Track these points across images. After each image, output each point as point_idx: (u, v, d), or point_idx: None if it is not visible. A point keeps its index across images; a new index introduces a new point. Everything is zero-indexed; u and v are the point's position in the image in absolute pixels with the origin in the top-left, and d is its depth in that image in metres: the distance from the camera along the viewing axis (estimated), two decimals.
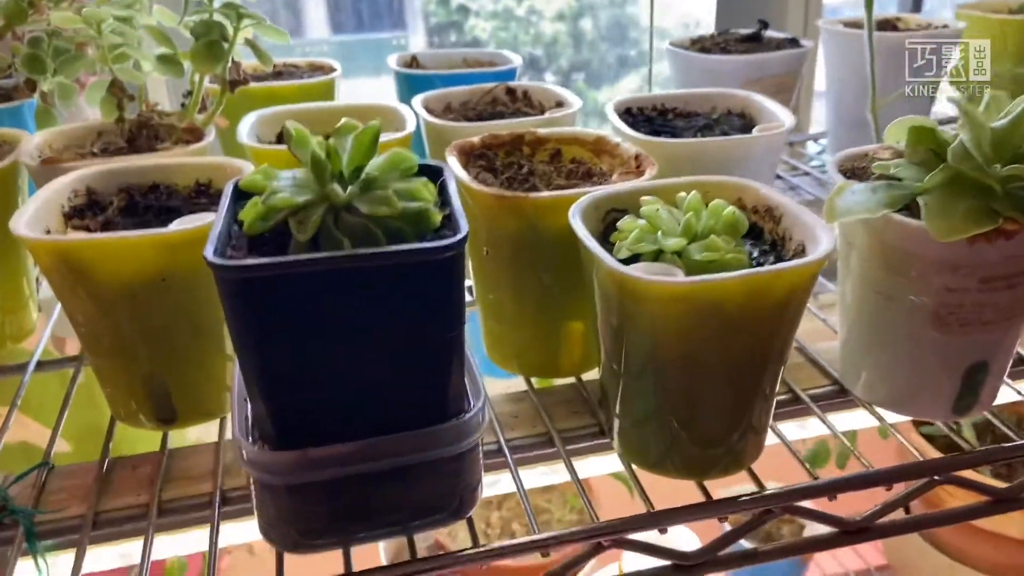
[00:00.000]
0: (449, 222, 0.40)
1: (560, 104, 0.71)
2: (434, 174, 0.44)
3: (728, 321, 0.41)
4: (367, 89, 1.41)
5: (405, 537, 0.44)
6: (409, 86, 0.82)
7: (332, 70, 0.84)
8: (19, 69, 0.69)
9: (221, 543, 0.45)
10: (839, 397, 0.56)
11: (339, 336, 0.37)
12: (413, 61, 0.89)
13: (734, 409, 0.45)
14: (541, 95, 0.74)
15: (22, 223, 0.46)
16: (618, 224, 0.47)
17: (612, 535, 0.43)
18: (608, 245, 0.47)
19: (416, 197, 0.39)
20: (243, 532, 0.52)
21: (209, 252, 0.35)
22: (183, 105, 0.66)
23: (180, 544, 0.62)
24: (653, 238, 0.44)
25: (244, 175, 0.51)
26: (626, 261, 0.45)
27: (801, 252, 0.45)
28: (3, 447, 0.52)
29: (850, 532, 0.47)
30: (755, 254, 0.47)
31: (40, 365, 0.61)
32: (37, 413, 0.92)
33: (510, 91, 0.75)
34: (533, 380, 0.58)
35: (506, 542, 0.43)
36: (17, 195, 0.60)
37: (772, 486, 0.47)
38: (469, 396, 0.42)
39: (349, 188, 0.38)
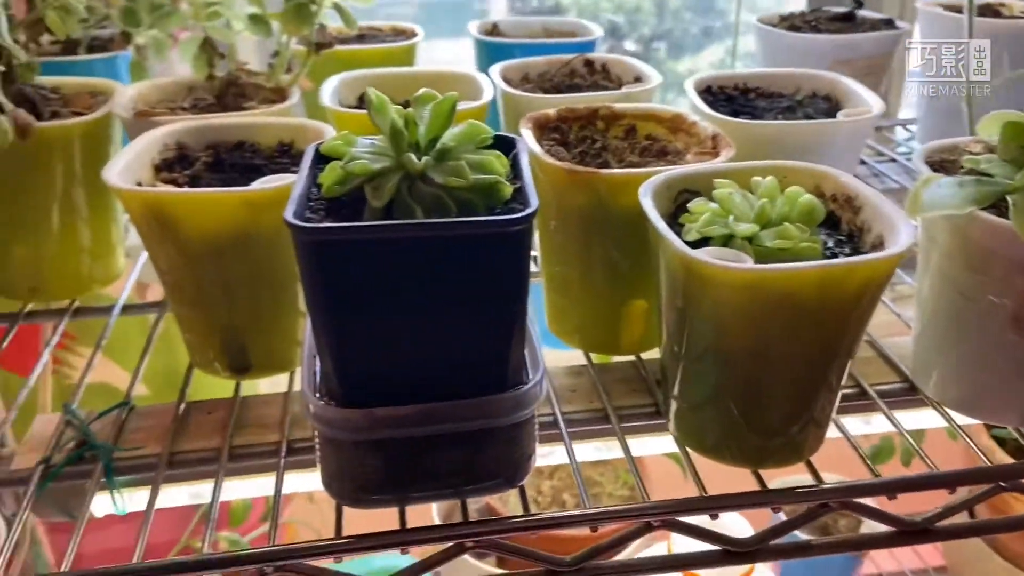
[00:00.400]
0: (519, 195, 0.41)
1: (638, 79, 0.70)
2: (507, 146, 0.44)
3: (797, 313, 0.41)
4: (447, 52, 1.41)
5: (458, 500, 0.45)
6: (488, 54, 0.82)
7: (414, 35, 0.84)
8: (115, 21, 0.71)
9: (285, 490, 0.47)
10: (908, 395, 0.55)
11: (406, 302, 0.38)
12: (494, 29, 0.88)
13: (796, 400, 0.45)
14: (619, 68, 0.73)
15: (114, 173, 0.48)
16: (689, 205, 0.46)
17: (663, 515, 0.43)
18: (678, 226, 0.47)
19: (488, 169, 0.40)
20: (305, 481, 0.54)
21: (288, 213, 0.37)
22: (270, 65, 0.67)
23: (247, 487, 0.65)
24: (724, 222, 0.44)
25: (325, 139, 0.52)
26: (695, 244, 0.45)
27: (879, 245, 0.44)
28: (85, 387, 0.55)
29: (909, 533, 0.47)
30: (830, 244, 0.46)
31: (125, 309, 0.64)
32: (119, 356, 0.97)
33: (588, 63, 0.74)
34: (592, 356, 0.58)
35: (557, 513, 0.43)
36: (109, 145, 0.62)
37: (832, 479, 0.46)
38: (528, 368, 0.43)
39: (424, 158, 0.39)
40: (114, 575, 0.40)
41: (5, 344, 0.59)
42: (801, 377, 0.44)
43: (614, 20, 1.62)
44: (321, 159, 0.43)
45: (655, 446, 0.67)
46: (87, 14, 0.72)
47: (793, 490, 0.46)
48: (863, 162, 0.87)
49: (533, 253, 0.63)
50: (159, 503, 0.51)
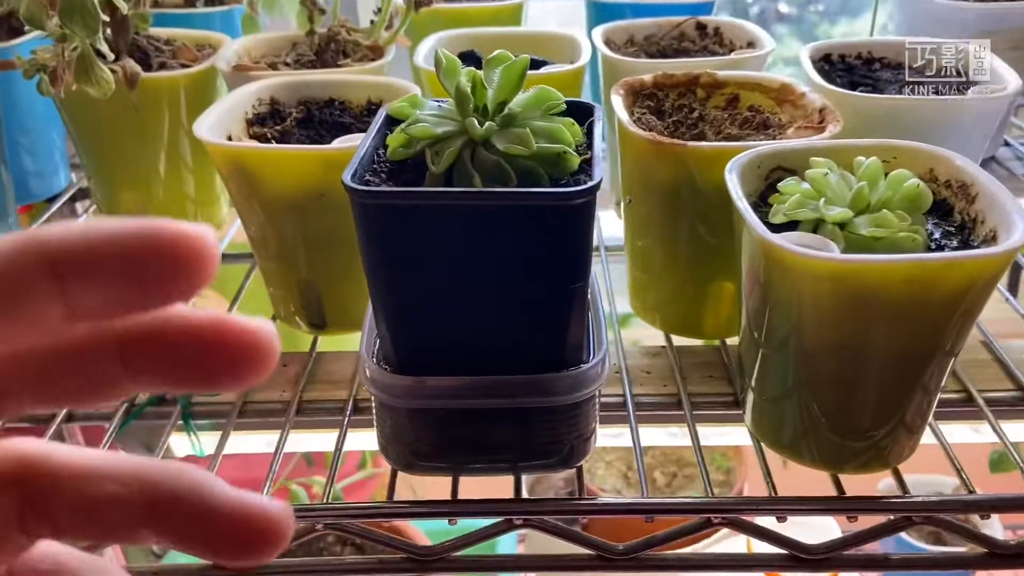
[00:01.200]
0: (588, 167, 0.39)
1: (752, 44, 0.66)
2: (585, 113, 0.42)
3: (888, 308, 0.37)
4: (561, 10, 1.38)
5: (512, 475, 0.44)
6: (598, 13, 0.79)
7: None
8: None
9: (361, 447, 0.48)
10: (1022, 404, 0.49)
11: (462, 271, 0.37)
12: None
13: (886, 402, 0.41)
14: (734, 33, 0.69)
15: (204, 126, 0.49)
16: (779, 185, 0.43)
17: (725, 513, 0.41)
18: (767, 207, 0.44)
19: (556, 138, 0.38)
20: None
21: (347, 175, 0.36)
22: (371, 22, 0.67)
23: (326, 440, 0.67)
24: (814, 205, 0.40)
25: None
26: (781, 227, 0.41)
27: (992, 239, 0.39)
28: None
29: (1001, 555, 0.42)
30: (936, 235, 0.41)
31: (224, 257, 0.66)
32: (221, 291, 1.01)
33: (700, 26, 0.70)
34: (672, 337, 0.55)
35: (612, 499, 0.42)
36: (214, 96, 0.64)
37: (932, 480, 0.42)
38: (591, 347, 0.41)
39: (488, 123, 0.37)
40: None
41: None
42: (890, 377, 0.40)
43: None
44: (395, 121, 0.43)
45: (739, 437, 0.63)
46: None
47: (873, 499, 0.42)
48: (1007, 143, 0.79)
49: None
50: (238, 449, 0.53)
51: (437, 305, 0.38)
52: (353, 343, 0.59)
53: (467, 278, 0.37)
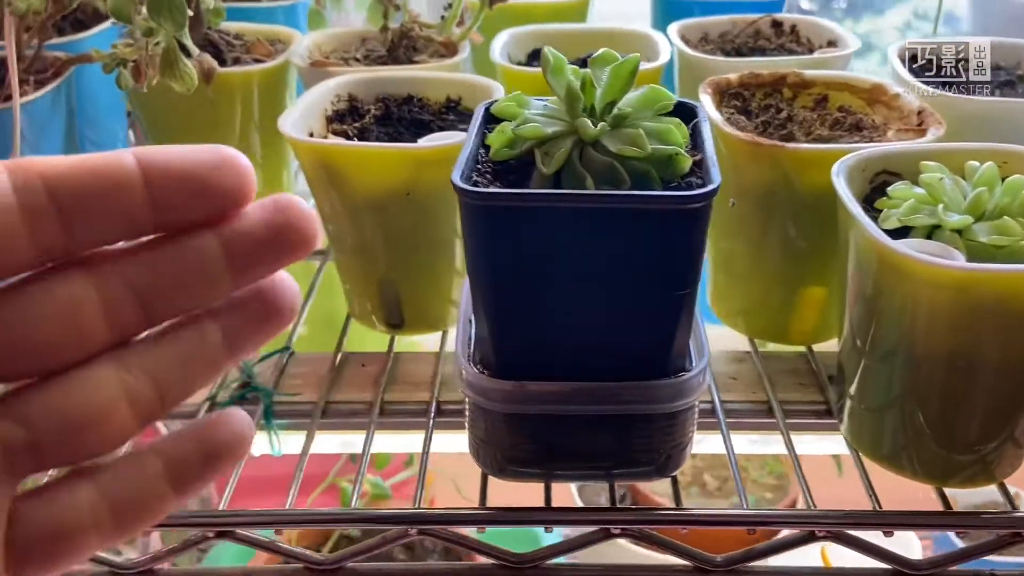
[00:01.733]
0: (698, 169, 0.37)
1: (832, 43, 0.64)
2: (687, 113, 0.41)
3: (1010, 319, 0.36)
4: (615, 3, 1.36)
5: (606, 483, 0.43)
6: (665, 10, 0.78)
7: None
8: None
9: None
10: None
11: (571, 275, 0.36)
12: None
13: (997, 415, 0.40)
14: (811, 31, 0.67)
15: (289, 123, 0.49)
16: (889, 190, 0.41)
17: (830, 526, 0.40)
18: (873, 211, 0.42)
19: (667, 139, 0.37)
20: (448, 442, 0.53)
21: (456, 175, 0.35)
22: (442, 18, 0.66)
23: (392, 442, 0.66)
24: (931, 211, 0.39)
25: (494, 97, 0.51)
26: (892, 233, 0.40)
27: None
28: None
29: None
30: None
31: None
32: None
33: (776, 24, 0.69)
34: (757, 342, 0.54)
35: (712, 510, 0.41)
36: (285, 91, 0.63)
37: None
38: (692, 355, 0.40)
39: (600, 124, 0.36)
40: (269, 518, 0.41)
41: None
42: (1004, 390, 0.39)
43: None
44: (490, 119, 0.42)
45: (809, 446, 0.62)
46: None
47: (980, 514, 0.41)
48: None
49: None
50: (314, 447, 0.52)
51: (543, 308, 0.37)
52: (425, 343, 0.59)
53: (576, 281, 0.36)
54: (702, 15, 0.71)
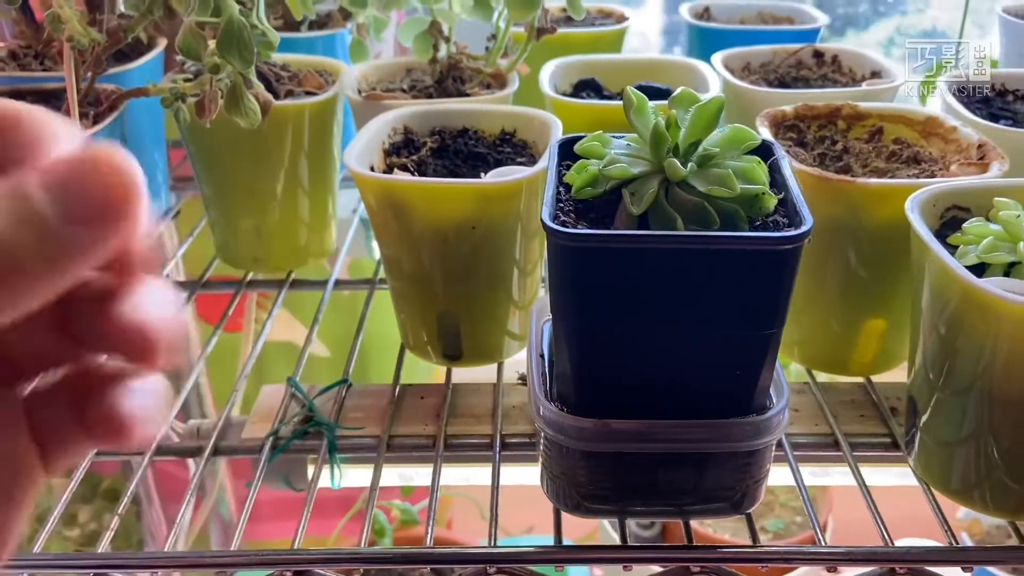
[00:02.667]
0: (783, 208, 0.38)
1: (876, 74, 0.65)
2: (764, 151, 0.41)
3: None
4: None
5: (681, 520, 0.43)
6: (700, 39, 0.78)
7: (623, 18, 0.82)
8: (340, 1, 0.73)
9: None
10: None
11: (659, 314, 0.36)
12: (705, 12, 0.84)
13: None
14: (853, 61, 0.68)
15: (353, 157, 0.49)
16: (964, 226, 0.42)
17: (910, 563, 0.39)
18: (947, 247, 0.43)
19: (752, 178, 0.37)
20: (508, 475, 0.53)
21: (546, 216, 0.36)
22: (487, 49, 0.67)
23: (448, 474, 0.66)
24: (1010, 248, 0.39)
25: (552, 130, 0.51)
26: (970, 269, 0.40)
27: None
28: (270, 344, 0.56)
29: None
30: None
31: (337, 284, 0.65)
32: (305, 318, 1.01)
33: (818, 54, 0.69)
34: (815, 373, 0.54)
35: (791, 547, 0.41)
36: (333, 122, 0.64)
37: None
38: (772, 393, 0.40)
39: (689, 164, 0.36)
40: (345, 556, 0.40)
41: (231, 310, 0.62)
42: None
43: None
44: (564, 156, 0.42)
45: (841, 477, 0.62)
46: None
47: None
48: None
49: None
50: (358, 481, 0.52)
51: (628, 347, 0.38)
52: (437, 373, 0.58)
53: (664, 321, 0.37)
54: (739, 44, 0.71)
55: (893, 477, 0.61)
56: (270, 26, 0.52)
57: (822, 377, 0.55)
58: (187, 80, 0.53)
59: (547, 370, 0.43)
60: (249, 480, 0.46)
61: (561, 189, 0.40)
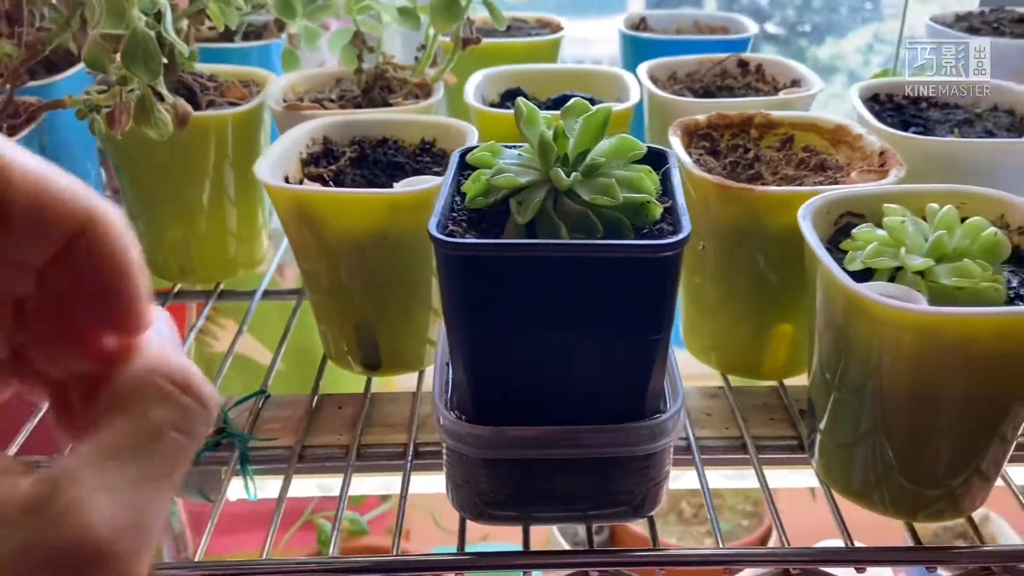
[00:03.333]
0: (669, 215, 0.38)
1: (797, 83, 0.66)
2: (658, 159, 0.42)
3: (973, 360, 0.37)
4: (590, 31, 1.37)
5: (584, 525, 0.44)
6: (635, 49, 0.79)
7: (559, 28, 0.82)
8: (271, 10, 0.73)
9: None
10: None
11: (547, 322, 0.37)
12: (641, 23, 0.85)
13: (962, 451, 0.41)
14: (776, 70, 0.69)
15: (265, 168, 0.49)
16: (853, 232, 0.43)
17: (804, 564, 0.40)
18: (838, 252, 0.44)
19: (638, 187, 0.38)
20: (425, 483, 0.53)
21: (433, 225, 0.36)
22: (416, 59, 0.67)
23: (368, 483, 0.66)
24: (894, 253, 0.40)
25: (468, 141, 0.52)
26: (857, 275, 0.41)
27: None
28: (219, 357, 0.56)
29: None
30: (1014, 283, 0.41)
31: (266, 294, 0.65)
32: (257, 332, 1.01)
33: (742, 64, 0.70)
34: (729, 377, 0.55)
35: (687, 550, 0.41)
36: (259, 133, 0.64)
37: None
38: (667, 396, 0.41)
39: (573, 174, 0.37)
40: (246, 569, 0.40)
41: None
42: (970, 427, 0.40)
43: (757, 0, 1.54)
44: (465, 165, 0.43)
45: (784, 476, 0.63)
46: (244, 3, 0.74)
47: (950, 549, 0.42)
48: None
49: None
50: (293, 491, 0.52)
51: (519, 355, 0.38)
52: (401, 382, 0.59)
53: (552, 328, 0.37)
54: (671, 54, 0.72)
55: None
56: (178, 38, 0.52)
57: (740, 381, 0.56)
58: (100, 92, 0.53)
59: (449, 379, 0.43)
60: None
61: (458, 199, 0.40)
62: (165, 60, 0.54)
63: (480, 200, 0.39)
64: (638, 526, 0.97)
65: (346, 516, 0.99)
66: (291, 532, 0.95)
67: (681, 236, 0.35)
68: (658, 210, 0.38)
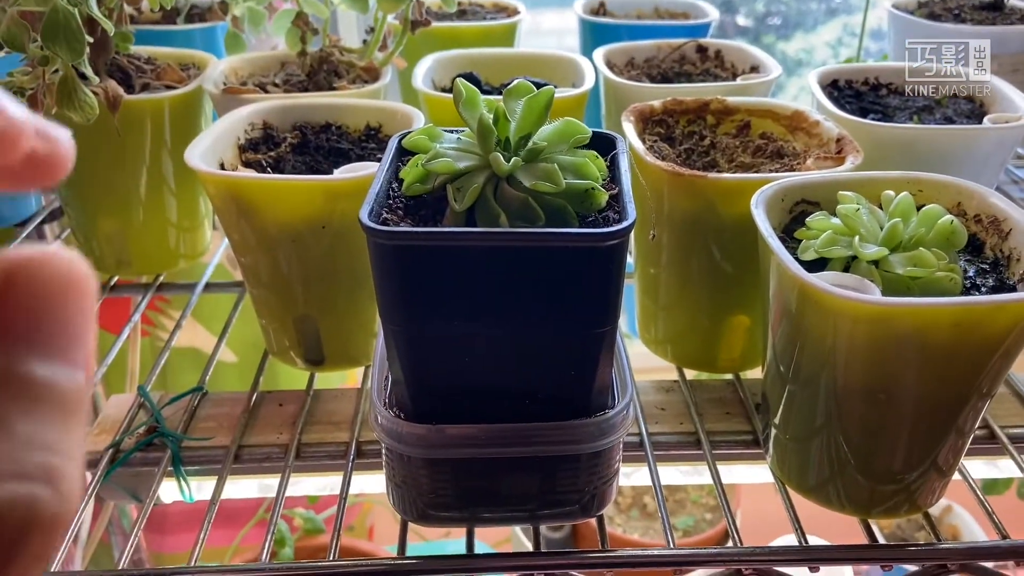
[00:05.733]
0: (616, 203, 0.37)
1: (756, 68, 0.65)
2: (607, 144, 0.40)
3: (927, 352, 0.36)
4: (556, 22, 1.35)
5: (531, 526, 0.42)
6: (593, 35, 0.77)
7: (516, 12, 0.80)
8: None
9: (363, 490, 0.45)
10: None
11: (486, 315, 0.35)
12: (600, 8, 0.84)
13: (919, 445, 0.40)
14: (735, 56, 0.68)
15: (196, 153, 0.47)
16: (807, 220, 0.41)
17: (757, 564, 0.39)
18: (793, 241, 0.42)
19: (583, 173, 0.36)
20: (379, 482, 0.51)
21: (364, 213, 0.34)
22: (364, 42, 0.65)
23: (318, 482, 0.64)
24: (848, 242, 0.39)
25: (413, 127, 0.49)
26: (812, 264, 0.40)
27: None
28: (175, 351, 0.53)
29: None
30: (971, 273, 0.40)
31: (208, 287, 0.63)
32: (207, 321, 0.98)
33: (701, 49, 0.69)
34: (686, 371, 0.53)
35: (638, 552, 0.40)
36: (200, 118, 0.61)
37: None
38: (616, 391, 0.39)
39: (513, 158, 0.35)
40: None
41: None
42: (926, 420, 0.39)
43: None
44: (405, 152, 0.40)
45: (751, 472, 0.62)
46: None
47: (906, 547, 0.41)
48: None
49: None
50: (232, 493, 0.50)
51: (460, 350, 0.36)
52: (352, 376, 0.57)
53: (493, 321, 0.35)
54: (630, 38, 0.70)
55: None
56: (109, 18, 0.49)
57: (696, 375, 0.55)
58: (25, 74, 0.50)
59: (388, 375, 0.41)
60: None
61: (396, 185, 0.38)
62: (90, 39, 0.52)
63: (417, 187, 0.37)
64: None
65: (301, 515, 0.97)
66: (245, 530, 0.92)
67: (625, 224, 0.33)
68: (604, 197, 0.36)
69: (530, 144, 0.36)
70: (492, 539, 1.12)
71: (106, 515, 1.08)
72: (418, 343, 0.36)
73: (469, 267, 0.34)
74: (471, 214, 0.35)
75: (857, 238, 0.38)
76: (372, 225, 0.33)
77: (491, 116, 0.36)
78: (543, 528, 0.94)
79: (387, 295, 0.35)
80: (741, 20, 1.55)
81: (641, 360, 0.51)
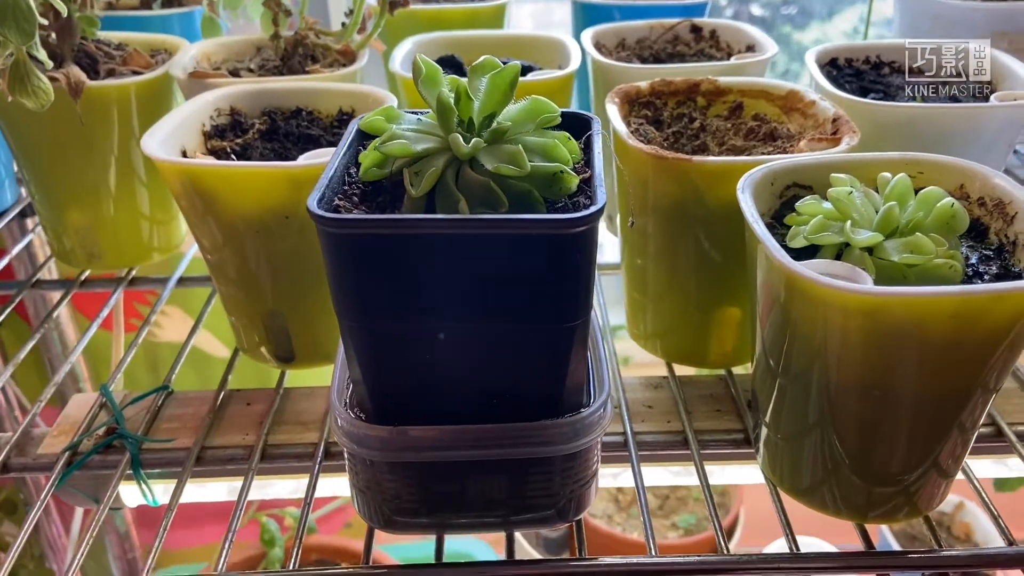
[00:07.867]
0: (588, 188, 0.34)
1: (752, 48, 0.62)
2: (581, 126, 0.38)
3: (926, 345, 0.33)
4: (563, 15, 1.33)
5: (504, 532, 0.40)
6: (585, 15, 0.75)
7: None
8: None
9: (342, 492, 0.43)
10: None
11: (447, 308, 0.32)
12: None
13: (918, 444, 0.37)
14: (731, 35, 0.65)
15: (155, 140, 0.44)
16: (797, 205, 0.38)
17: (747, 573, 0.36)
18: (784, 228, 0.39)
19: (551, 155, 0.33)
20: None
21: (312, 200, 0.31)
22: (343, 25, 0.62)
23: (292, 485, 0.61)
24: (839, 228, 0.36)
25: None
26: (802, 252, 0.37)
27: None
28: (167, 347, 0.52)
29: None
30: (973, 260, 0.37)
31: (181, 281, 0.61)
32: (212, 325, 0.96)
33: (695, 29, 0.66)
34: (675, 367, 0.51)
35: (621, 560, 0.37)
36: (170, 106, 0.59)
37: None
38: (591, 389, 0.37)
39: (474, 139, 0.32)
40: None
41: (56, 312, 0.57)
42: (925, 417, 0.36)
43: None
44: (367, 135, 0.38)
45: (748, 473, 0.59)
46: None
47: (905, 554, 0.38)
48: (1015, 151, 0.75)
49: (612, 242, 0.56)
50: (201, 497, 0.48)
51: (418, 346, 0.34)
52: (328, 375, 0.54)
53: (454, 315, 0.33)
54: (623, 19, 0.68)
55: None
56: (73, 2, 0.47)
57: (686, 371, 0.52)
58: None
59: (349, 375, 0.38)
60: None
61: (354, 171, 0.36)
62: (48, 22, 0.49)
63: (374, 172, 0.34)
64: (600, 521, 0.93)
65: (292, 514, 0.95)
66: (234, 530, 0.90)
67: (594, 210, 0.31)
68: (574, 181, 0.33)
69: (494, 124, 0.33)
70: (491, 537, 1.10)
71: (100, 514, 1.07)
72: (375, 339, 0.34)
73: (426, 257, 0.31)
74: (431, 200, 0.33)
75: (849, 223, 0.35)
76: (319, 212, 0.31)
77: (453, 95, 0.33)
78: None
79: (340, 288, 0.33)
80: (756, 10, 1.51)
81: (632, 356, 0.49)
